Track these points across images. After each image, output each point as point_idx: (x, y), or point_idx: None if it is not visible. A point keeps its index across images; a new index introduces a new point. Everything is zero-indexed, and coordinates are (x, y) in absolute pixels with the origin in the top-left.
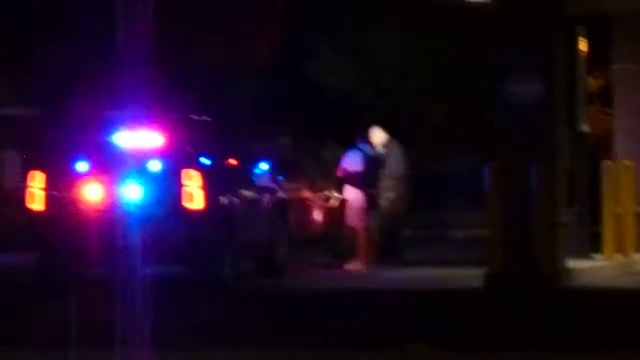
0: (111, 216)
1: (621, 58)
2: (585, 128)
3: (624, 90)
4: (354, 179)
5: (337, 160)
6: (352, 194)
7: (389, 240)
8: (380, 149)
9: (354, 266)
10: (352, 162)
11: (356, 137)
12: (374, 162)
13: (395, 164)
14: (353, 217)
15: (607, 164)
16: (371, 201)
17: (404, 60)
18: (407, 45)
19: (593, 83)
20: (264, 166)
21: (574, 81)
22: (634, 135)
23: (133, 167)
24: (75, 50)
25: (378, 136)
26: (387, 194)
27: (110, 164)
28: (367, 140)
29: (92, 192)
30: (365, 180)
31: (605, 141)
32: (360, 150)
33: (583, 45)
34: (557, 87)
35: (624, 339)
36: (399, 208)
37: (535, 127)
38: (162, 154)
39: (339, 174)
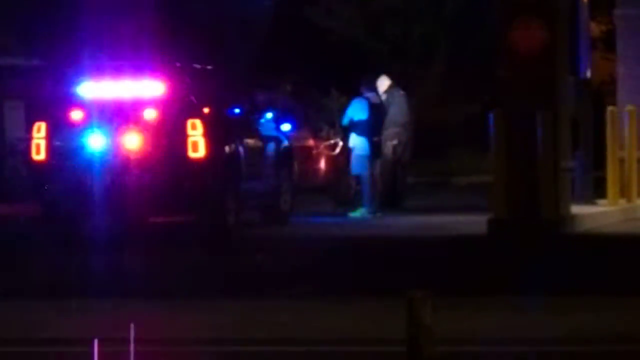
0: (114, 166)
1: (624, 2)
2: (588, 74)
3: (627, 35)
4: (358, 127)
5: (341, 109)
6: (357, 142)
7: (393, 187)
8: (384, 97)
9: (358, 214)
10: (356, 110)
11: (360, 85)
12: (378, 110)
13: (399, 111)
14: (359, 165)
15: (610, 109)
16: (375, 149)
17: (407, 6)
18: None
19: (596, 28)
20: (267, 115)
21: (577, 27)
22: (637, 81)
23: (136, 117)
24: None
25: (382, 83)
26: (391, 142)
27: (113, 113)
28: (371, 88)
29: (95, 143)
30: (370, 128)
31: (608, 87)
32: (365, 98)
33: None
34: (560, 33)
35: (627, 284)
36: (402, 155)
37: (538, 73)
38: (165, 103)
39: (344, 122)
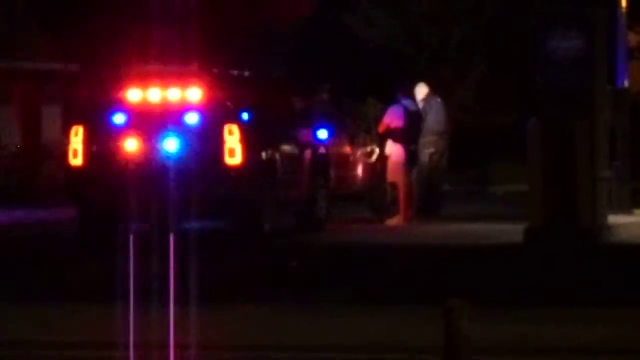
0: (152, 172)
1: None
2: (626, 83)
3: None
4: (395, 135)
5: (377, 116)
6: (394, 150)
7: (429, 195)
8: (421, 104)
9: (395, 221)
10: (393, 117)
11: (397, 92)
12: (415, 118)
13: (436, 120)
14: (394, 173)
15: None
16: (412, 157)
17: (445, 12)
18: None
19: (634, 38)
20: (304, 121)
21: (615, 36)
22: None
23: (174, 122)
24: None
25: (420, 91)
26: (428, 150)
27: (150, 119)
28: (408, 95)
29: (133, 148)
30: (407, 135)
31: None
32: (402, 105)
33: (624, 0)
34: (598, 42)
35: None
36: (439, 163)
37: (576, 82)
38: (202, 109)
39: (381, 129)
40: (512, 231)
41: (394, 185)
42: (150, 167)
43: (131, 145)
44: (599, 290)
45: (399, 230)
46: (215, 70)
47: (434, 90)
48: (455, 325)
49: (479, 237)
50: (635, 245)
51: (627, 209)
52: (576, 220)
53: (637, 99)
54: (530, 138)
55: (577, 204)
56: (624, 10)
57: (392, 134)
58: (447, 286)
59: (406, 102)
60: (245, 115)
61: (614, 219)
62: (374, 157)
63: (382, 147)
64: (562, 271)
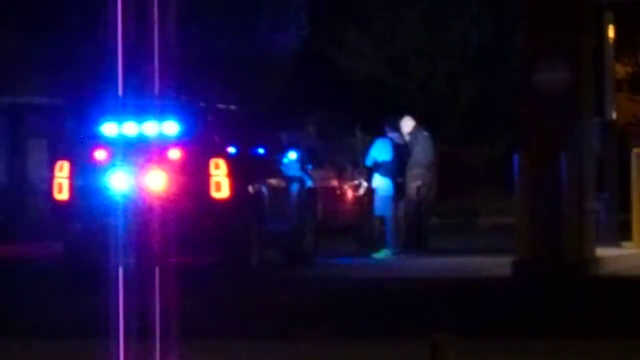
0: (138, 206)
1: None
2: (613, 115)
3: None
4: (382, 168)
5: (365, 149)
6: (381, 183)
7: (416, 229)
8: (408, 137)
9: (382, 255)
10: (380, 150)
11: (384, 125)
12: (402, 151)
13: (423, 153)
14: (382, 206)
15: (636, 151)
16: (399, 190)
17: (432, 45)
18: (435, 30)
19: (621, 70)
20: (291, 155)
21: (602, 68)
22: None
23: (159, 156)
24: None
25: (406, 124)
26: (415, 183)
27: (136, 153)
28: (395, 128)
29: (118, 182)
30: (394, 169)
31: (634, 128)
32: (389, 138)
33: (611, 32)
34: (585, 74)
35: None
36: (426, 196)
37: (563, 114)
38: (188, 143)
39: (368, 163)
40: (500, 264)
41: (381, 219)
42: (136, 201)
43: (116, 179)
44: (587, 323)
45: (387, 264)
46: (201, 104)
47: (420, 122)
48: (442, 359)
49: (466, 270)
50: (622, 278)
51: (614, 242)
52: (563, 254)
53: (624, 131)
54: (517, 170)
55: (564, 236)
56: (611, 41)
57: (379, 167)
58: (435, 320)
59: (393, 135)
60: (232, 149)
61: (601, 251)
62: (362, 190)
63: (369, 180)
64: (550, 304)
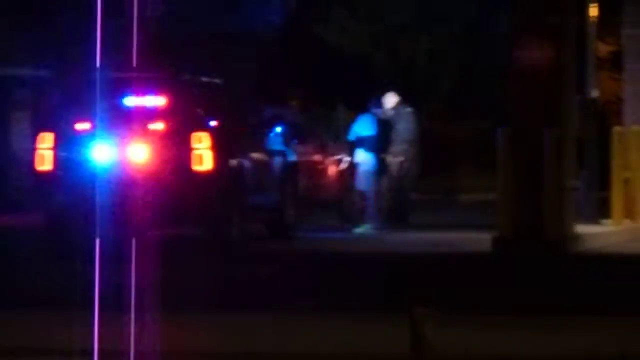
0: (120, 178)
1: (631, 23)
2: (595, 93)
3: (634, 55)
4: (366, 143)
5: (348, 124)
6: (364, 158)
7: (398, 204)
8: (391, 113)
9: (363, 229)
10: (365, 126)
11: (369, 101)
12: (386, 126)
13: (406, 128)
14: (364, 181)
15: (616, 129)
16: (382, 165)
17: (416, 22)
18: (420, 7)
19: (603, 49)
20: (274, 129)
21: (585, 47)
22: None
23: (142, 129)
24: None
25: (390, 100)
26: (398, 158)
27: (120, 125)
28: (379, 104)
29: (101, 154)
30: (377, 144)
31: (615, 106)
32: (373, 114)
33: (593, 11)
34: (567, 52)
35: (629, 304)
36: (409, 172)
37: (545, 92)
38: (171, 116)
39: (351, 138)
40: (480, 240)
41: (362, 194)
42: (119, 173)
43: (99, 151)
44: (566, 299)
45: (368, 238)
46: (185, 77)
47: (404, 99)
48: (420, 333)
49: (447, 245)
50: (601, 255)
51: (594, 219)
52: (544, 230)
53: (606, 109)
54: (499, 147)
55: (545, 213)
56: (593, 20)
57: (363, 142)
58: (414, 294)
59: (377, 111)
60: (214, 123)
61: (581, 228)
62: (344, 165)
63: (351, 155)
64: (530, 280)
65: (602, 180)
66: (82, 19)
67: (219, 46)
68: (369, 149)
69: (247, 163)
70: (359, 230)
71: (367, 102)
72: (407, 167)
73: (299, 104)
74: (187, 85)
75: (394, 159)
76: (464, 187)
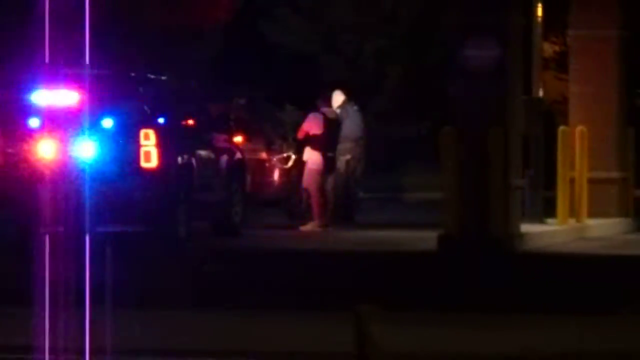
0: (66, 175)
1: (577, 23)
2: (540, 93)
3: (579, 55)
4: (314, 142)
5: (294, 122)
6: (311, 156)
7: (345, 202)
8: (338, 111)
9: (309, 227)
10: (313, 124)
11: (317, 100)
12: (333, 125)
13: (352, 127)
14: (310, 179)
15: (562, 129)
16: (329, 164)
17: (361, 21)
18: (364, 6)
19: (549, 48)
20: (221, 126)
21: (530, 46)
22: (589, 101)
23: (90, 125)
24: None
25: (336, 99)
26: (344, 156)
27: (65, 122)
28: (327, 103)
29: (46, 150)
30: (325, 143)
31: (560, 106)
32: (321, 112)
33: (539, 11)
34: (512, 52)
35: (573, 303)
36: (355, 170)
37: (490, 91)
38: (118, 113)
39: (300, 136)
40: (426, 238)
41: (309, 192)
42: (65, 170)
43: (45, 148)
44: (509, 298)
45: (314, 236)
46: (132, 74)
47: (350, 97)
48: (364, 331)
49: (393, 244)
50: (546, 254)
51: (539, 218)
52: (489, 229)
53: (551, 109)
54: (444, 146)
55: (490, 212)
56: (539, 19)
57: (310, 140)
58: (360, 292)
59: (325, 109)
60: (161, 120)
61: (526, 227)
62: (290, 163)
63: (298, 153)
64: (474, 278)
65: (547, 180)
66: (28, 14)
67: (165, 42)
68: (317, 147)
69: (193, 160)
70: (305, 228)
71: (314, 100)
72: (354, 165)
73: (246, 101)
74: (134, 82)
75: (341, 157)
76: (410, 185)
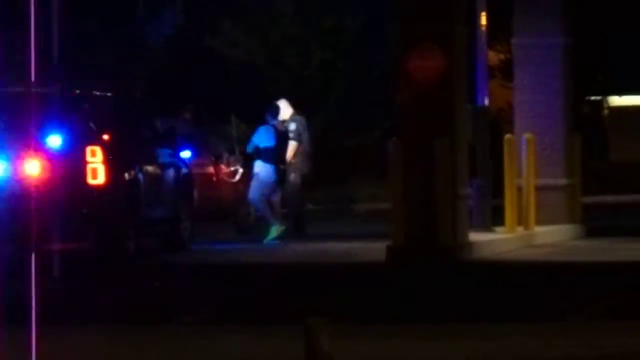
0: (11, 192)
1: (520, 31)
2: (486, 101)
3: (524, 63)
4: (266, 155)
5: (240, 135)
6: (264, 169)
7: (296, 214)
8: (292, 124)
9: (272, 235)
10: (262, 137)
11: (266, 112)
12: (283, 138)
13: (308, 140)
14: (258, 192)
15: (508, 136)
16: (281, 176)
17: (305, 34)
18: (309, 19)
19: (494, 57)
20: (167, 142)
21: (475, 55)
22: (534, 109)
23: (35, 143)
24: None
25: (286, 110)
26: (301, 170)
27: (10, 139)
28: (276, 116)
29: None
30: (277, 155)
31: (506, 114)
32: (271, 125)
33: (483, 19)
34: (458, 61)
35: (521, 311)
36: (302, 182)
37: (436, 101)
38: (64, 130)
39: (249, 149)
40: (374, 249)
41: (257, 205)
42: (12, 188)
43: None
44: (457, 307)
45: (264, 249)
46: (77, 91)
47: (295, 108)
48: (315, 343)
49: (342, 255)
50: (495, 262)
51: (487, 226)
52: (437, 238)
53: (497, 117)
54: (391, 157)
55: (438, 222)
56: (483, 28)
57: (262, 154)
58: (309, 305)
59: (274, 122)
60: (107, 136)
61: (474, 236)
62: (238, 177)
63: (246, 167)
64: (423, 289)
65: (494, 188)
66: None
67: (109, 58)
68: (268, 160)
69: (140, 176)
70: (269, 238)
71: (263, 113)
72: (301, 177)
73: (191, 115)
74: (80, 100)
75: (297, 172)
76: (357, 196)
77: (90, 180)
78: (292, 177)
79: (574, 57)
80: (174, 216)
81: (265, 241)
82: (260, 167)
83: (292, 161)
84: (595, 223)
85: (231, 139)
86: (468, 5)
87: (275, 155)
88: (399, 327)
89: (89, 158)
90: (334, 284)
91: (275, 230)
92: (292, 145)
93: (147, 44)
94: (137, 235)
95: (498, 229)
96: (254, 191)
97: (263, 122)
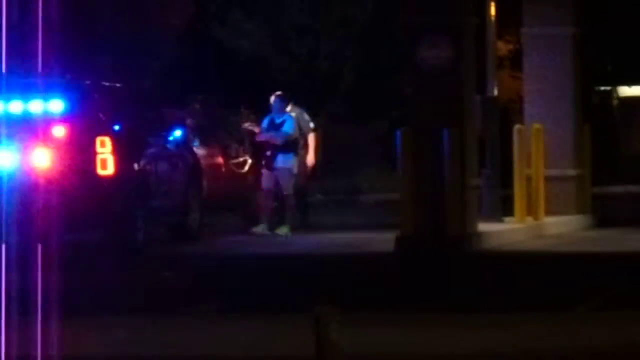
0: (22, 183)
1: (530, 21)
2: (495, 92)
3: (533, 53)
4: (291, 146)
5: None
6: (290, 161)
7: (303, 205)
8: (293, 115)
9: (285, 231)
10: (293, 127)
11: (282, 103)
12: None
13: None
14: (290, 183)
15: (517, 127)
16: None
17: (315, 23)
18: (318, 9)
19: (503, 47)
20: (177, 132)
21: (484, 45)
22: (544, 99)
23: (45, 133)
24: None
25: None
26: (309, 162)
27: (21, 130)
28: (286, 107)
29: (3, 160)
30: (296, 145)
31: (515, 105)
32: (290, 115)
33: (492, 9)
34: (467, 51)
35: (530, 301)
36: (309, 173)
37: (445, 91)
38: (73, 120)
39: (282, 138)
40: (383, 240)
41: (277, 194)
42: (22, 179)
43: (2, 157)
44: (467, 297)
45: (271, 240)
46: (87, 82)
47: (302, 101)
48: (324, 332)
49: (350, 246)
50: (504, 252)
51: (496, 217)
52: (446, 229)
53: (506, 108)
54: (401, 147)
55: (447, 212)
56: (492, 18)
57: (289, 145)
58: (318, 295)
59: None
60: (117, 127)
61: (484, 226)
62: (247, 167)
63: (254, 157)
64: (432, 279)
65: (504, 179)
66: None
67: (119, 49)
68: (293, 150)
69: (150, 166)
70: (281, 231)
71: (269, 105)
72: (308, 168)
73: (201, 106)
74: (89, 90)
75: (306, 163)
76: (366, 187)
77: (100, 171)
78: (301, 169)
79: (583, 47)
80: (183, 206)
81: (276, 232)
82: (289, 160)
83: (301, 152)
84: (604, 214)
85: (241, 130)
86: None
87: (297, 146)
88: (408, 316)
89: (98, 148)
90: (342, 274)
91: (287, 228)
92: (311, 137)
93: (157, 35)
94: (146, 225)
95: (507, 219)
96: (290, 187)
97: (277, 112)
